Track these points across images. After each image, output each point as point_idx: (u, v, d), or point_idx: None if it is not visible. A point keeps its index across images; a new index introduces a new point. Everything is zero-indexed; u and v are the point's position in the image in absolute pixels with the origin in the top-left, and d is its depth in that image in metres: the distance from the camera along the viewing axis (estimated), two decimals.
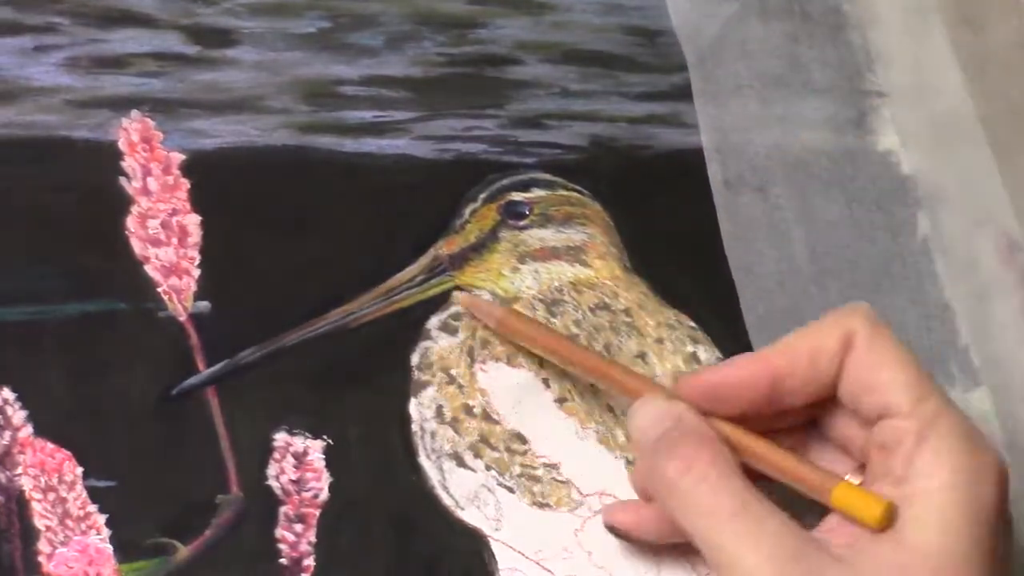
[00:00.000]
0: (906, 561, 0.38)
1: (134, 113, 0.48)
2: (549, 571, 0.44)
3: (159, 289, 0.46)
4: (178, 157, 0.48)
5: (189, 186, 0.47)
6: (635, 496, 0.45)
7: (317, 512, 0.44)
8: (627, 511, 0.44)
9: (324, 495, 0.44)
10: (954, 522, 0.39)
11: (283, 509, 0.44)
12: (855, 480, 0.41)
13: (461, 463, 0.46)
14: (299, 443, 0.45)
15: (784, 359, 0.42)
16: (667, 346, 0.49)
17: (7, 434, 0.43)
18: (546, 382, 0.47)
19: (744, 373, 0.42)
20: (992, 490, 0.39)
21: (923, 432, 0.40)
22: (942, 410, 0.40)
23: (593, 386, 0.47)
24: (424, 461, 0.45)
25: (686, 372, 0.44)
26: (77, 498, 0.42)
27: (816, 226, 0.54)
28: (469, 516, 0.45)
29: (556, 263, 0.49)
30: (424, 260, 0.48)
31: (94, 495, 0.42)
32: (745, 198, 0.54)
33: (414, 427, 0.46)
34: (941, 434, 0.40)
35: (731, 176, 0.54)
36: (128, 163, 0.47)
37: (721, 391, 0.42)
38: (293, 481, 0.44)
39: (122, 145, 0.47)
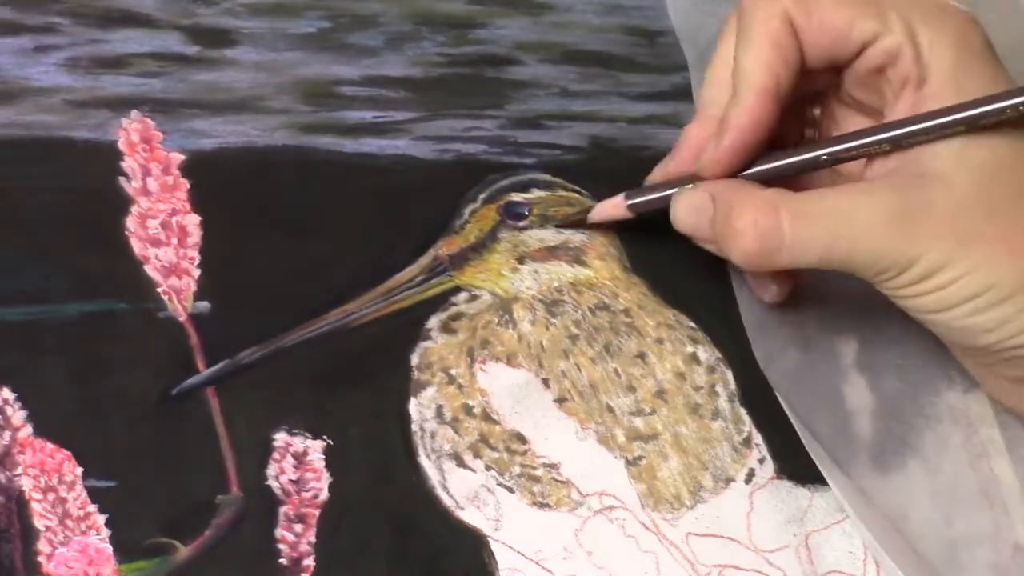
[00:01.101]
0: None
1: (134, 113, 0.48)
2: (549, 571, 0.44)
3: (159, 289, 0.46)
4: (178, 157, 0.48)
5: (189, 186, 0.47)
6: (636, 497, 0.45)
7: (317, 512, 0.44)
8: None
9: (324, 495, 0.44)
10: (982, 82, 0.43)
11: (283, 509, 0.44)
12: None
13: (461, 463, 0.46)
14: (299, 443, 0.45)
15: (763, 76, 0.44)
16: (667, 346, 0.49)
17: (7, 434, 0.42)
18: (546, 382, 0.47)
19: (750, 119, 0.44)
20: (982, 35, 0.44)
21: (911, 33, 0.43)
22: (905, 5, 0.43)
23: (593, 386, 0.47)
24: (424, 461, 0.45)
25: (708, 155, 0.46)
26: (77, 498, 0.42)
27: None
28: (469, 516, 0.45)
29: (556, 263, 0.49)
30: (424, 260, 0.49)
31: (94, 495, 0.42)
32: None
33: (414, 427, 0.46)
34: (925, 26, 0.43)
35: None
36: (128, 163, 0.47)
37: (742, 151, 0.45)
38: (293, 481, 0.44)
39: (122, 145, 0.48)
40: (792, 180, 0.46)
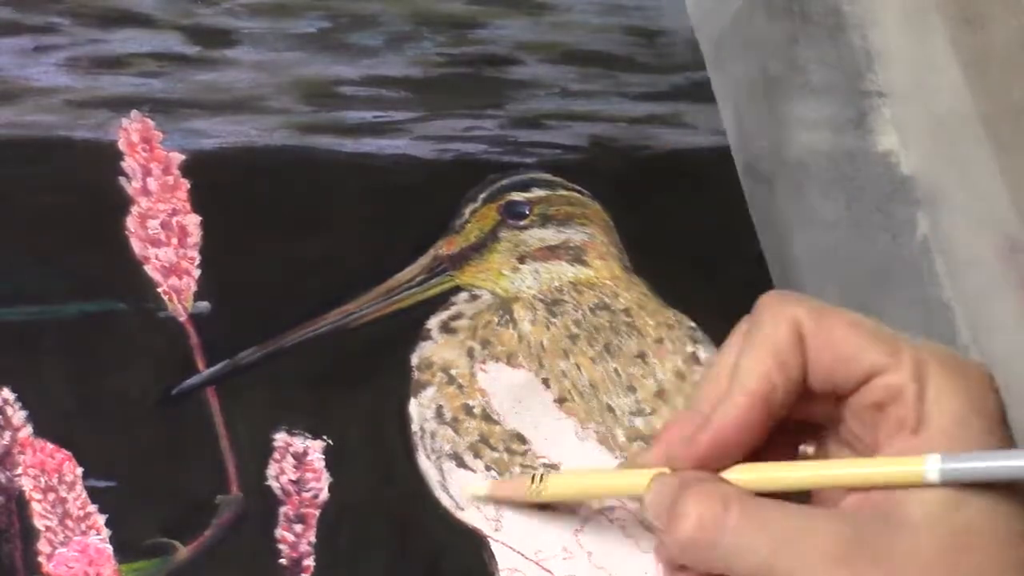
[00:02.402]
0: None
1: (134, 113, 0.48)
2: (549, 571, 0.44)
3: (159, 289, 0.46)
4: (178, 157, 0.48)
5: (189, 186, 0.47)
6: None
7: (317, 512, 0.44)
8: None
9: (324, 495, 0.44)
10: (982, 439, 0.39)
11: (283, 509, 0.44)
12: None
13: (461, 463, 0.46)
14: (299, 443, 0.45)
15: (758, 382, 0.41)
16: (667, 346, 0.49)
17: (7, 434, 0.42)
18: (546, 382, 0.47)
19: (735, 421, 0.41)
20: (996, 396, 0.40)
21: (920, 375, 0.40)
22: (920, 348, 0.40)
23: (593, 386, 0.47)
24: (424, 461, 0.45)
25: (674, 446, 0.42)
26: (77, 498, 0.42)
27: (816, 227, 0.54)
28: (469, 516, 0.45)
29: (556, 263, 0.49)
30: (424, 260, 0.49)
31: (94, 495, 0.42)
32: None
33: (414, 427, 0.46)
34: (936, 371, 0.40)
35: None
36: (128, 163, 0.47)
37: (720, 450, 0.41)
38: (293, 481, 0.44)
39: (122, 145, 0.47)
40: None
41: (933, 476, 0.38)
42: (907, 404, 0.40)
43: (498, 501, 0.45)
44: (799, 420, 0.42)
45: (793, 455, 0.43)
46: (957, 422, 0.39)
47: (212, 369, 0.45)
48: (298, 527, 0.43)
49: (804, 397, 0.42)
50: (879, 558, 0.38)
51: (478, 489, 0.45)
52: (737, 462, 0.41)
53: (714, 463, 0.41)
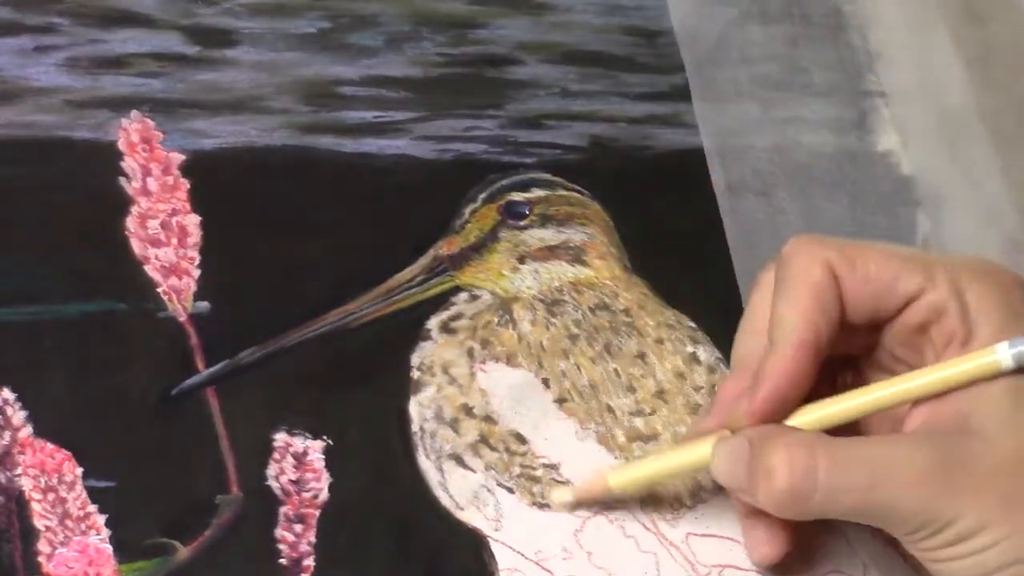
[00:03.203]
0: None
1: (134, 113, 0.48)
2: (549, 571, 0.44)
3: (159, 289, 0.46)
4: (178, 157, 0.48)
5: (189, 186, 0.47)
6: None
7: (317, 512, 0.44)
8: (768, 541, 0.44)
9: (324, 495, 0.44)
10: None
11: (283, 509, 0.44)
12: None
13: (461, 463, 0.46)
14: (299, 443, 0.45)
15: (803, 329, 0.42)
16: (667, 346, 0.49)
17: (7, 434, 0.43)
18: (546, 382, 0.47)
19: (787, 373, 0.42)
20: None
21: (958, 291, 0.41)
22: (952, 262, 0.42)
23: (593, 386, 0.47)
24: (424, 461, 0.45)
25: (738, 408, 0.43)
26: (77, 498, 0.42)
27: (819, 228, 0.54)
28: (469, 516, 0.45)
29: (556, 263, 0.49)
30: (424, 260, 0.49)
31: (94, 495, 0.42)
32: (748, 202, 0.54)
33: (414, 427, 0.46)
34: (972, 283, 0.41)
35: (733, 180, 0.54)
36: (128, 163, 0.47)
37: (778, 404, 0.42)
38: (293, 481, 0.44)
39: (122, 145, 0.48)
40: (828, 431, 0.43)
41: (1008, 362, 0.40)
42: (952, 320, 0.41)
43: (582, 504, 0.45)
44: (834, 355, 0.43)
45: (833, 390, 0.44)
46: (1001, 327, 0.41)
47: (212, 369, 0.45)
48: (298, 527, 0.43)
49: (842, 332, 0.42)
50: (963, 467, 0.39)
51: (564, 494, 0.45)
52: (792, 411, 0.42)
53: (773, 417, 0.42)
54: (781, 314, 0.42)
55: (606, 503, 0.45)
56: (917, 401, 0.42)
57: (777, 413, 0.42)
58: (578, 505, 0.45)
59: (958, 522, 0.39)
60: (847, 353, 0.44)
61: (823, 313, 0.42)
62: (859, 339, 0.44)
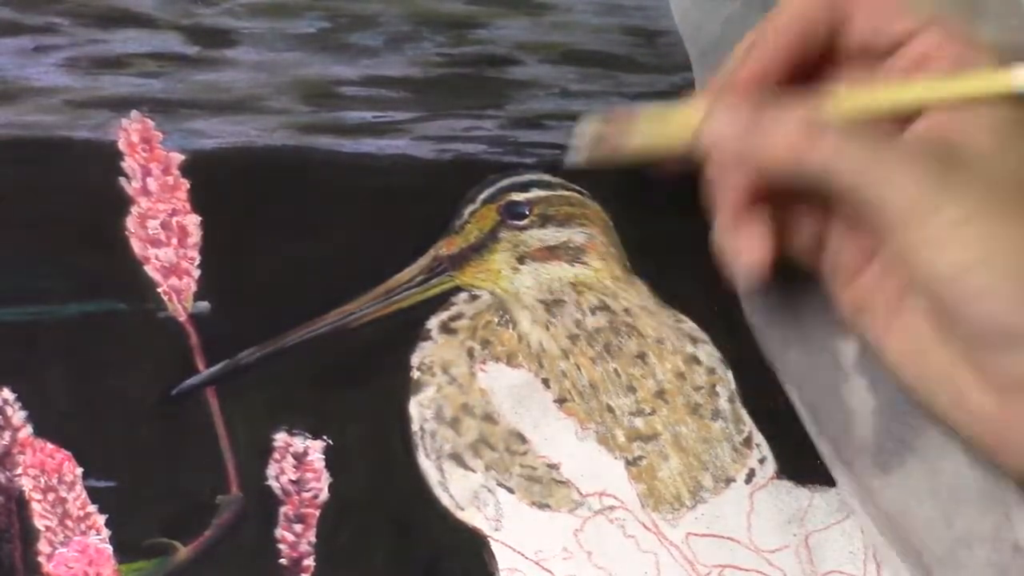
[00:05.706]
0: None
1: (134, 113, 0.48)
2: (549, 571, 0.44)
3: (159, 289, 0.46)
4: (178, 157, 0.48)
5: (189, 186, 0.47)
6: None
7: (317, 512, 0.44)
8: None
9: (324, 495, 0.44)
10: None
11: (283, 509, 0.44)
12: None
13: (461, 463, 0.46)
14: (299, 443, 0.45)
15: (799, 4, 0.43)
16: (667, 346, 0.49)
17: (7, 434, 0.43)
18: (546, 382, 0.47)
19: (774, 43, 0.43)
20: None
21: (955, 32, 0.42)
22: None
23: (593, 386, 0.47)
24: (424, 461, 0.45)
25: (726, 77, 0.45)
26: (77, 498, 0.42)
27: None
28: (469, 516, 0.45)
29: (556, 263, 0.49)
30: (424, 260, 0.49)
31: (94, 495, 0.42)
32: None
33: (414, 427, 0.46)
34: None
35: None
36: (128, 163, 0.47)
37: (778, 60, 0.44)
38: (293, 481, 0.44)
39: (122, 145, 0.48)
40: None
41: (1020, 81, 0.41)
42: (955, 48, 0.42)
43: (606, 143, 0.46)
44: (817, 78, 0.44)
45: None
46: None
47: (212, 369, 0.45)
48: (298, 527, 0.43)
49: (836, 62, 0.44)
50: (960, 162, 0.41)
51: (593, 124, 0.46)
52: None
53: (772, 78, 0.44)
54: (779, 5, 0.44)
55: (606, 505, 0.45)
56: (924, 109, 0.43)
57: (775, 72, 0.43)
58: (601, 143, 0.47)
59: (951, 206, 0.40)
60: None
61: (825, 6, 0.43)
62: (854, 74, 0.44)
